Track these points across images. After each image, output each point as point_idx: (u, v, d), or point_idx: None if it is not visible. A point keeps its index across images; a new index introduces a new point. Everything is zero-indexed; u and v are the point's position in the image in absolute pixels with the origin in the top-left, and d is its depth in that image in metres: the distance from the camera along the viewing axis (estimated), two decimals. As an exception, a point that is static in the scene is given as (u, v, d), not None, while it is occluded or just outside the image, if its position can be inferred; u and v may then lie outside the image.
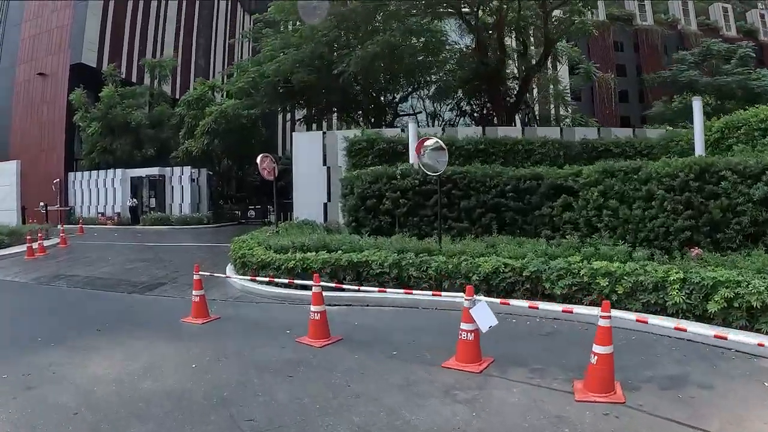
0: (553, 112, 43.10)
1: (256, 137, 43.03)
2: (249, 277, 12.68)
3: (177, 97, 50.21)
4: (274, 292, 12.27)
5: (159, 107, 45.72)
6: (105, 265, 17.97)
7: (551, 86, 39.45)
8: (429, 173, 13.03)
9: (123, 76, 47.34)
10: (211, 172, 42.08)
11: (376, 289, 9.93)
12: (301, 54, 28.18)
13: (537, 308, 8.34)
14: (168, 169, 39.54)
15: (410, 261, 11.53)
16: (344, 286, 10.06)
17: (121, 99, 42.90)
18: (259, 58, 31.37)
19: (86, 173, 42.57)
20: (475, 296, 7.27)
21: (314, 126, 42.72)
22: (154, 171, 39.49)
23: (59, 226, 26.23)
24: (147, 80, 49.60)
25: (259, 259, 13.04)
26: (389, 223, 15.22)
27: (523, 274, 10.36)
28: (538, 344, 8.27)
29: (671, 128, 24.30)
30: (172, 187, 39.04)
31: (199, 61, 62.87)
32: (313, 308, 8.47)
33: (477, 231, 14.28)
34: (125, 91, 43.92)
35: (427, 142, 12.67)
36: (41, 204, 39.40)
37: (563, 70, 46.61)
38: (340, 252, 12.31)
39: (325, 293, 9.05)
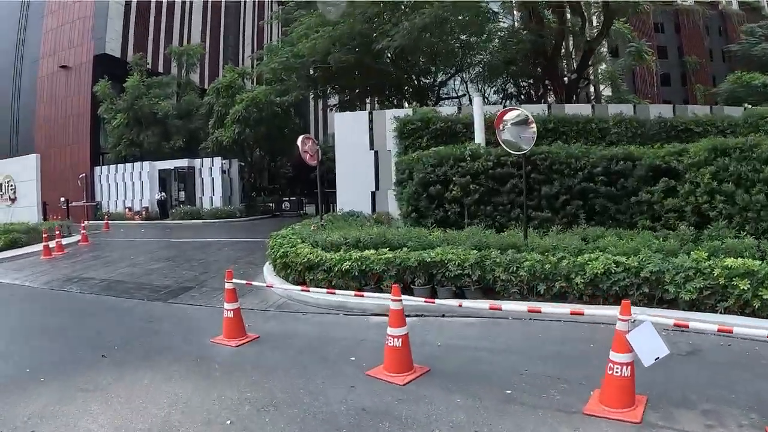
0: (608, 93, 40.26)
1: (289, 126, 40.95)
2: (292, 281, 10.66)
3: (205, 87, 48.12)
4: (325, 300, 9.83)
5: (187, 96, 43.82)
6: (126, 266, 15.80)
7: (602, 65, 36.78)
8: (511, 152, 10.74)
9: (149, 66, 45.45)
10: (242, 163, 40.09)
11: (510, 304, 7.38)
12: (338, 31, 25.91)
13: (687, 326, 5.82)
14: (197, 160, 37.53)
15: (495, 260, 9.28)
16: (436, 301, 7.37)
17: (147, 89, 41.18)
18: (291, 39, 29.04)
19: (112, 167, 40.82)
20: (633, 314, 5.04)
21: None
22: (182, 163, 37.50)
23: (84, 222, 24.26)
24: (174, 70, 47.69)
25: (305, 259, 10.68)
26: (457, 214, 13.02)
27: (641, 276, 8.17)
28: (687, 370, 6.04)
29: (750, 106, 22.08)
30: (202, 179, 37.02)
31: (227, 50, 60.79)
32: (391, 331, 6.16)
33: (561, 221, 12.10)
34: (151, 81, 42.14)
35: (509, 115, 10.58)
36: (62, 200, 37.80)
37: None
38: (405, 249, 10.02)
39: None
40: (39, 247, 19.16)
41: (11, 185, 28.22)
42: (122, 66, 42.32)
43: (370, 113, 20.18)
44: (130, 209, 38.16)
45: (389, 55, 30.87)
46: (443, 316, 8.85)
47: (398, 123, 17.38)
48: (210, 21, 58.12)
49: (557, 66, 26.35)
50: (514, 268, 9.03)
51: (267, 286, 10.52)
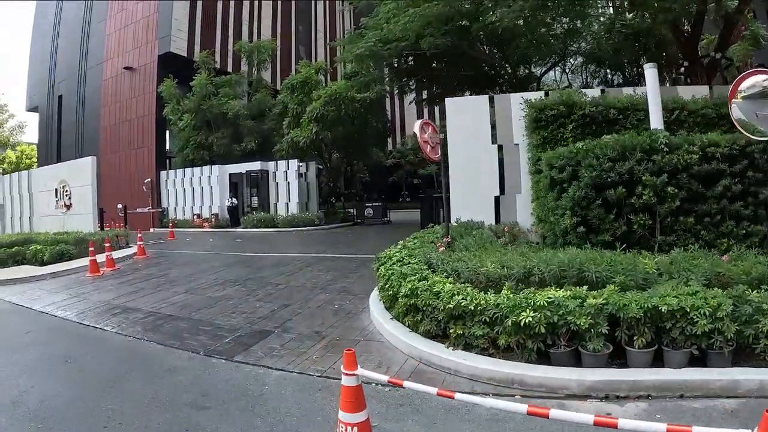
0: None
1: (370, 126, 37.28)
2: (424, 333, 7.03)
3: (277, 87, 44.68)
4: (488, 370, 5.95)
5: (258, 95, 40.52)
6: (183, 290, 12.17)
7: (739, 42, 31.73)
8: (752, 137, 6.88)
9: (217, 65, 42.56)
10: (320, 166, 36.53)
11: None
12: (433, 10, 22.07)
13: None
14: (271, 163, 33.97)
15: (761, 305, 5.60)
16: None
17: (216, 88, 38.06)
18: (377, 22, 25.20)
19: (179, 171, 37.83)
20: None
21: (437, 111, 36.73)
22: (255, 166, 34.04)
23: (141, 233, 21.00)
24: (244, 68, 44.54)
25: (452, 304, 6.60)
26: (645, 227, 9.27)
27: None
28: None
29: None
30: (276, 183, 33.43)
31: (299, 47, 57.60)
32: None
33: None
34: (220, 80, 39.01)
35: (748, 81, 6.55)
36: (119, 206, 35.02)
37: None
38: (611, 288, 6.17)
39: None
40: (87, 261, 15.90)
41: (66, 191, 25.26)
42: (189, 65, 39.26)
43: (491, 97, 15.88)
44: (198, 216, 35.04)
45: (484, 41, 27.13)
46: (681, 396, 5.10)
47: (531, 109, 13.27)
48: (280, 17, 54.97)
49: (696, 44, 21.77)
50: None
51: (382, 341, 6.82)
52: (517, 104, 14.14)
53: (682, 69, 22.65)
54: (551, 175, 10.58)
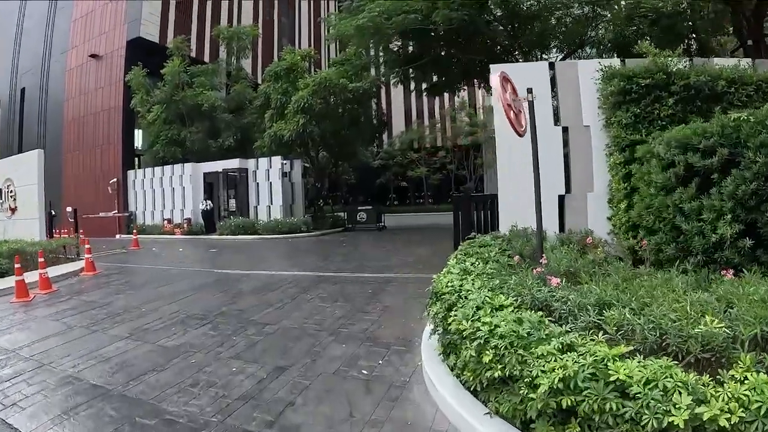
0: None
1: (361, 121, 33.53)
2: None
3: (258, 81, 40.72)
4: None
5: (238, 86, 36.59)
6: (126, 332, 8.26)
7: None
8: None
9: (193, 53, 38.63)
10: (307, 165, 32.61)
11: None
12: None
13: None
14: (251, 161, 30.15)
15: None
16: None
17: (191, 78, 34.15)
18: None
19: (148, 170, 33.85)
20: None
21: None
22: (233, 164, 30.12)
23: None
24: (223, 56, 40.18)
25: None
26: None
27: None
28: None
29: None
30: (257, 183, 29.57)
31: (282, 38, 53.60)
32: None
33: None
34: (196, 69, 35.13)
35: None
36: (68, 210, 31.20)
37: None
38: None
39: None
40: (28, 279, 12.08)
41: (11, 191, 21.25)
42: (161, 53, 35.05)
43: (551, 64, 12.03)
44: (170, 221, 31.04)
45: (502, 19, 23.72)
46: None
47: (614, 79, 9.80)
48: (262, 3, 51.09)
49: (761, 19, 18.47)
50: None
51: None
52: (588, 73, 10.64)
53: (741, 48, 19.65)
54: (684, 161, 6.99)
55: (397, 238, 24.38)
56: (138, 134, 38.91)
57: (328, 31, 29.35)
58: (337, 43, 31.54)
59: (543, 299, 5.13)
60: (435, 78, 29.29)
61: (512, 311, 4.78)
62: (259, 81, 39.06)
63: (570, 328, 4.32)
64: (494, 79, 7.01)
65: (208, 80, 34.93)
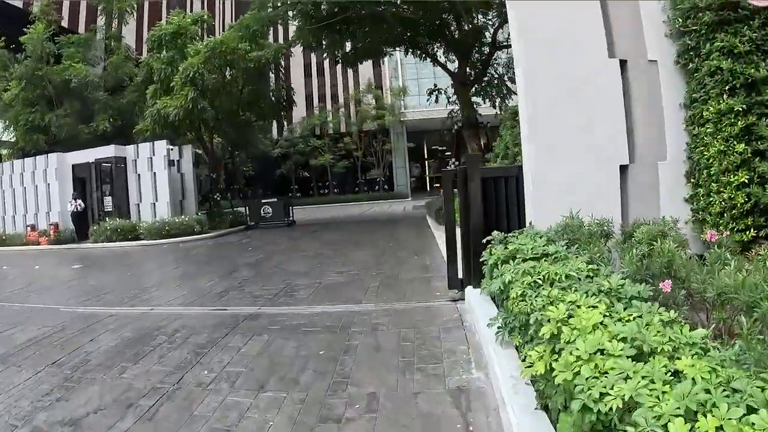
0: None
1: (264, 97, 28.65)
2: None
3: (142, 56, 34.73)
4: None
5: (115, 57, 30.95)
6: None
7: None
8: None
9: (64, 23, 32.52)
10: (199, 151, 27.31)
11: None
12: None
13: None
14: (130, 148, 24.54)
15: None
16: None
17: (59, 49, 28.35)
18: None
19: (6, 166, 27.57)
20: None
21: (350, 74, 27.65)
22: (107, 152, 24.32)
23: None
24: (101, 23, 33.73)
25: None
26: None
27: None
28: None
29: None
30: (138, 175, 24.07)
31: (172, 5, 47.66)
32: None
33: None
34: (66, 39, 29.18)
35: None
36: None
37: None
38: None
39: None
40: None
41: None
42: (23, 19, 29.03)
43: None
44: (33, 227, 25.04)
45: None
46: None
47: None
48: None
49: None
50: None
51: None
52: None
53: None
54: None
55: (315, 236, 19.95)
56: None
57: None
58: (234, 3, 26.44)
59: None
60: (349, 45, 24.87)
61: None
62: (144, 56, 33.27)
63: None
64: None
65: (80, 52, 29.17)
